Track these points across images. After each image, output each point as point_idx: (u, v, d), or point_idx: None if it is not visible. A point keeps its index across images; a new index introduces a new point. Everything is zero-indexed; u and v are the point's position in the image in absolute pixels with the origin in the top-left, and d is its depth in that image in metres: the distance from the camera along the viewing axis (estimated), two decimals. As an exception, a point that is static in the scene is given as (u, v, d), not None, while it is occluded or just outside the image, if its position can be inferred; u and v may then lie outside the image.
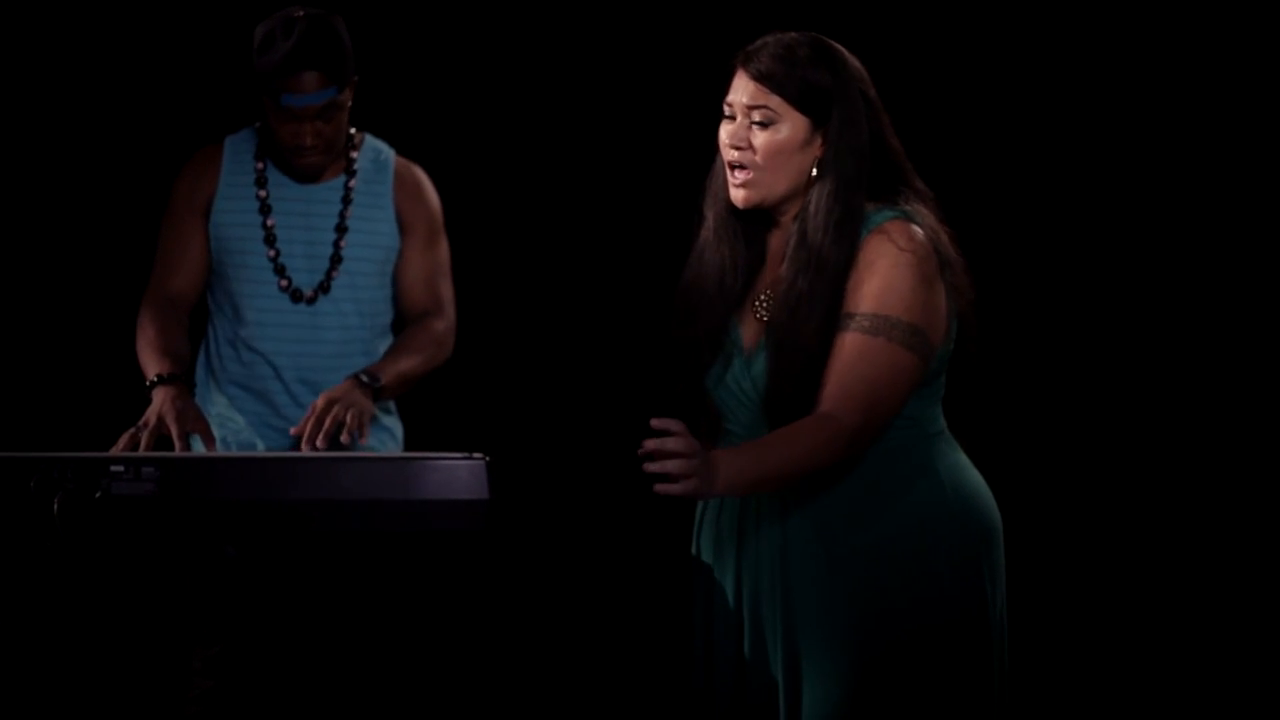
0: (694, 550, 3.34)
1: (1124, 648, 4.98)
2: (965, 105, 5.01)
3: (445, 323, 4.13)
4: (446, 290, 4.16)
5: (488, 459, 3.16)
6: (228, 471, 3.15)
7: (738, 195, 3.15)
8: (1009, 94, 5.02)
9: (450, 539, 3.16)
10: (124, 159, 4.98)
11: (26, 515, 3.09)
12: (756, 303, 3.19)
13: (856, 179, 3.11)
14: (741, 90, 3.13)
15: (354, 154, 4.11)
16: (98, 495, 3.10)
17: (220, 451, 3.91)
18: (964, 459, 3.23)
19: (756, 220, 3.20)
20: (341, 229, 4.06)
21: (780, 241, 3.18)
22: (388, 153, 4.16)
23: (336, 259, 4.05)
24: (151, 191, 4.29)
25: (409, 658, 3.57)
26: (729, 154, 3.14)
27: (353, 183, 4.09)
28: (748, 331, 3.18)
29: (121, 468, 3.13)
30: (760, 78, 3.11)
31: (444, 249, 4.18)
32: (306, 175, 4.05)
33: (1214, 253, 4.99)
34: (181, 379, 3.81)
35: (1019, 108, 5.03)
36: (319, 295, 4.04)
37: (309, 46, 3.88)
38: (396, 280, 4.14)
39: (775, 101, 3.11)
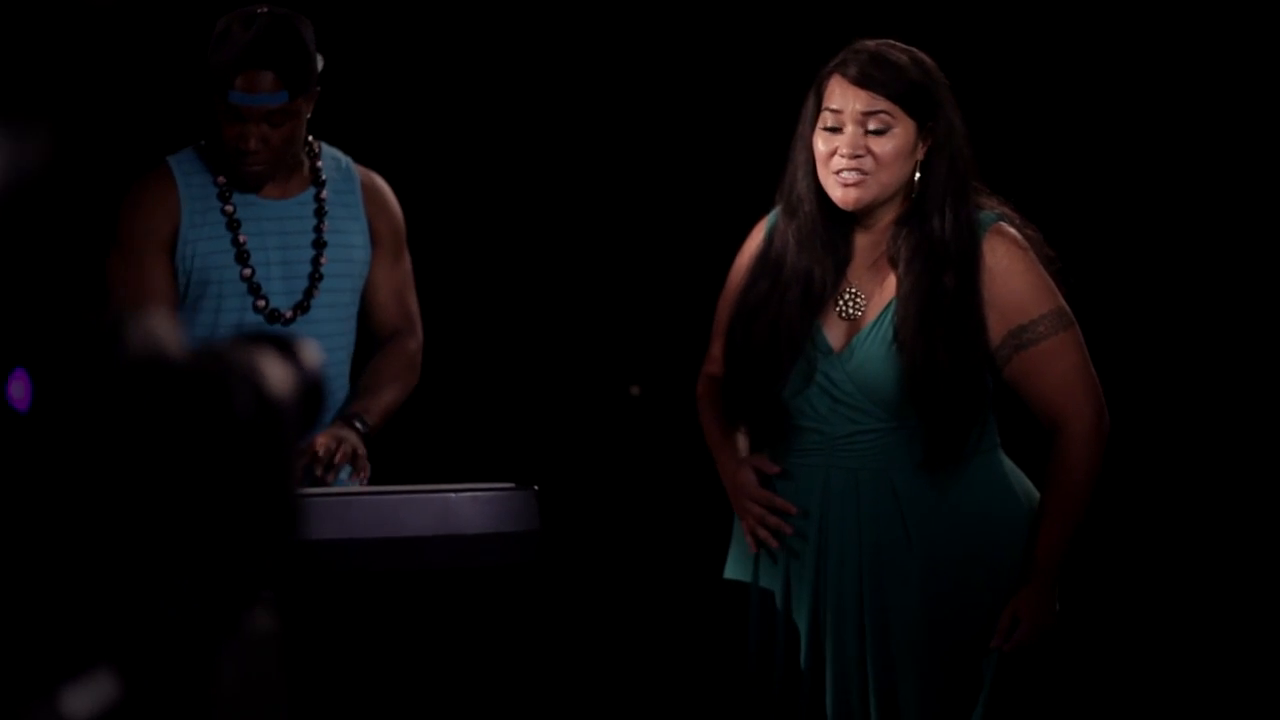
0: (751, 573, 3.36)
1: (1125, 648, 4.97)
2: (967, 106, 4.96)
3: (416, 341, 3.97)
4: (414, 304, 3.99)
5: (537, 488, 3.08)
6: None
7: (848, 196, 3.17)
8: (1009, 95, 4.98)
9: (501, 572, 3.07)
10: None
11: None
12: (841, 302, 3.23)
13: (967, 177, 3.21)
14: (851, 98, 3.17)
15: (318, 163, 3.88)
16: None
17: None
18: (1018, 469, 3.31)
19: (840, 225, 3.24)
20: (320, 244, 3.84)
21: (869, 244, 3.24)
22: (346, 160, 3.94)
23: (317, 276, 3.82)
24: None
25: (458, 695, 3.45)
26: (840, 163, 3.16)
27: (324, 194, 3.86)
28: (833, 332, 3.23)
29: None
30: (868, 84, 3.16)
31: (408, 261, 4.00)
32: (249, 185, 3.79)
33: (1214, 253, 4.98)
34: None
35: (1019, 109, 4.99)
36: (298, 315, 3.81)
37: (266, 44, 3.65)
38: (367, 296, 3.94)
39: (890, 106, 3.16)
